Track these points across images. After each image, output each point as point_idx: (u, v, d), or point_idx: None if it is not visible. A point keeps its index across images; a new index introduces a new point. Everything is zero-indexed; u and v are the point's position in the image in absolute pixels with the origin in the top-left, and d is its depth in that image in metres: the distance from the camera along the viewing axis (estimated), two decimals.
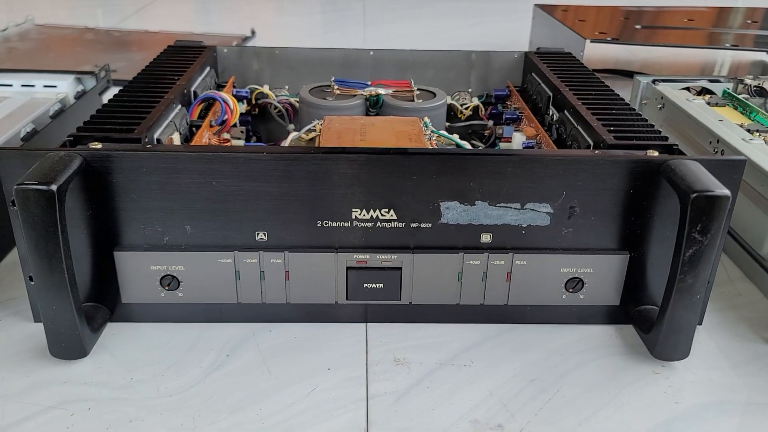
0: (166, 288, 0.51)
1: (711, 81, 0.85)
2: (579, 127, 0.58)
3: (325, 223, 0.50)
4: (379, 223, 0.50)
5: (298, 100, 0.73)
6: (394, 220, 0.50)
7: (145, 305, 0.52)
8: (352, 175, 0.48)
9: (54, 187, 0.43)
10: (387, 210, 0.49)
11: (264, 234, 0.50)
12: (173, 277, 0.51)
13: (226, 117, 0.64)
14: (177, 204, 0.49)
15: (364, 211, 0.49)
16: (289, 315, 0.53)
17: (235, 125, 0.67)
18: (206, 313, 0.53)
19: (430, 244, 0.50)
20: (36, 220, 0.43)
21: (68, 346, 0.48)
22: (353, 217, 0.49)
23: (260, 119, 0.77)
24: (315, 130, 0.62)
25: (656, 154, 0.49)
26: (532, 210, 0.49)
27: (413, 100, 0.69)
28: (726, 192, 0.43)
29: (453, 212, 0.49)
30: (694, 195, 0.43)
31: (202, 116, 0.65)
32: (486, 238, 0.50)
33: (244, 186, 0.48)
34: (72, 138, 0.50)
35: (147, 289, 0.51)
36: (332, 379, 0.48)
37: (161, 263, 0.50)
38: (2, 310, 0.55)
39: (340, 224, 0.50)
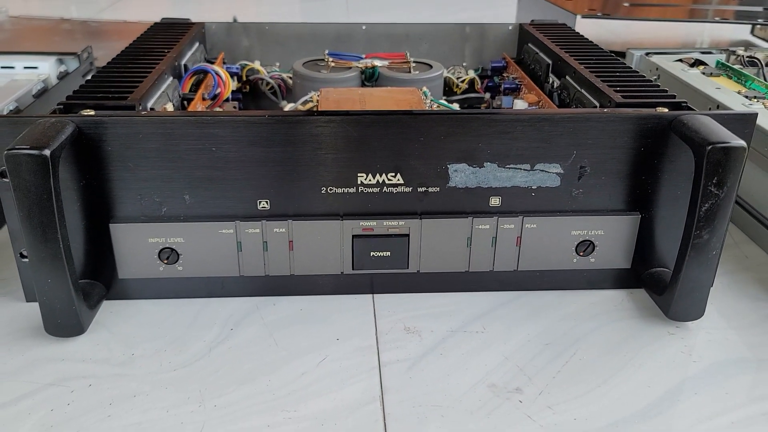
0: (165, 262, 0.49)
1: (703, 53, 0.84)
2: (583, 90, 0.57)
3: (330, 190, 0.48)
4: (385, 188, 0.48)
5: (290, 75, 0.72)
6: (400, 185, 0.48)
7: (143, 281, 0.50)
8: (357, 138, 0.46)
9: (47, 152, 0.41)
10: (393, 174, 0.48)
11: (266, 202, 0.48)
12: (172, 249, 0.49)
13: (218, 90, 0.62)
14: (175, 172, 0.47)
15: (369, 176, 0.48)
16: (294, 287, 0.51)
17: (227, 100, 0.65)
18: (207, 287, 0.51)
19: (438, 209, 0.49)
20: (29, 188, 0.41)
21: (65, 323, 0.46)
22: (359, 182, 0.48)
23: (251, 97, 0.75)
24: (312, 101, 0.60)
25: (666, 110, 0.48)
26: (542, 171, 0.48)
27: (410, 72, 0.68)
28: (742, 143, 0.42)
29: (461, 175, 0.48)
30: (710, 147, 0.42)
31: (194, 91, 0.63)
32: (495, 201, 0.49)
33: (245, 152, 0.46)
34: (62, 106, 0.48)
35: (145, 264, 0.49)
36: (342, 349, 0.46)
37: (159, 235, 0.48)
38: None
39: (345, 190, 0.48)
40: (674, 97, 0.51)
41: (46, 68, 0.77)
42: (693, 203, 0.44)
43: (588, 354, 0.46)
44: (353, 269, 0.50)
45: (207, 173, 0.47)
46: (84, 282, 0.50)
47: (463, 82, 0.73)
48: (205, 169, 0.47)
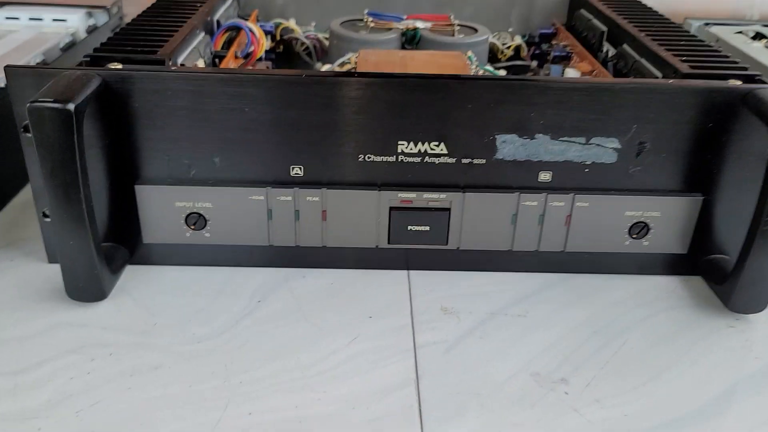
0: (192, 227, 0.47)
1: (765, 26, 0.79)
2: (643, 60, 0.52)
3: (368, 158, 0.45)
4: (427, 158, 0.45)
5: (326, 36, 0.68)
6: (444, 155, 0.45)
7: (169, 246, 0.48)
8: (400, 103, 0.43)
9: (71, 106, 0.38)
10: (437, 143, 0.45)
11: (300, 169, 0.45)
12: (200, 215, 0.46)
13: (252, 48, 0.59)
14: (205, 133, 0.44)
15: (411, 145, 0.44)
16: (326, 260, 0.49)
17: (261, 59, 0.62)
18: (235, 255, 0.49)
19: (483, 183, 0.46)
20: (52, 144, 0.39)
21: (86, 287, 0.44)
22: (399, 150, 0.45)
23: (284, 57, 0.71)
24: (350, 63, 0.57)
25: (739, 83, 0.44)
26: (598, 145, 0.44)
27: (453, 35, 0.64)
28: None
29: (510, 146, 0.44)
30: None
31: (226, 48, 0.60)
32: (545, 176, 0.46)
33: (280, 114, 0.43)
34: (89, 58, 0.46)
35: (171, 229, 0.47)
36: (375, 328, 0.43)
37: (187, 199, 0.46)
38: (14, 251, 0.50)
39: (384, 159, 0.45)
40: (746, 69, 0.47)
41: (75, 21, 0.74)
42: (765, 187, 0.40)
43: (638, 344, 0.43)
44: (389, 243, 0.48)
45: (238, 135, 0.44)
46: (107, 245, 0.47)
47: (508, 48, 0.69)
48: (237, 130, 0.44)
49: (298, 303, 0.45)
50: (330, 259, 0.49)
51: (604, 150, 0.45)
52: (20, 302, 0.45)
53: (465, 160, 0.45)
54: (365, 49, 0.60)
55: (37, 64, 0.63)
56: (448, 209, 0.46)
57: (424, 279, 0.48)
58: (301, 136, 0.44)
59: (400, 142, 0.44)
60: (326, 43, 0.68)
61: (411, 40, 0.64)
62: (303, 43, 0.68)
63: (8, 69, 0.42)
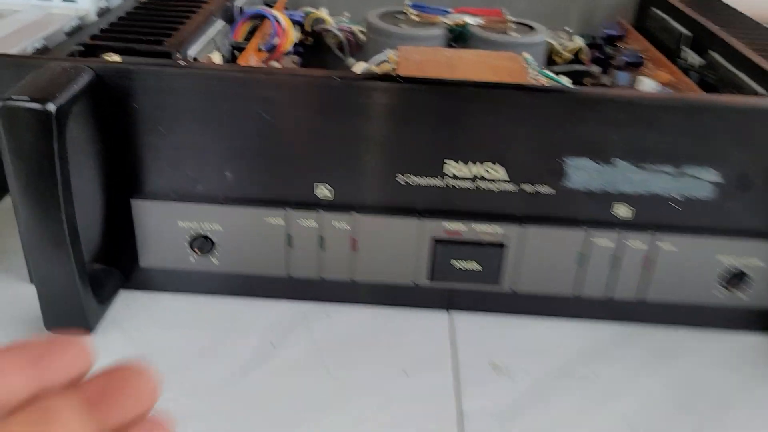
0: (197, 252, 0.39)
1: None
2: (739, 71, 0.44)
3: (409, 179, 0.37)
4: (480, 183, 0.37)
5: (362, 28, 0.60)
6: (501, 180, 0.37)
7: (170, 272, 0.40)
8: (451, 114, 0.36)
9: (52, 107, 0.31)
10: (493, 165, 0.37)
11: (327, 188, 0.38)
12: (206, 238, 0.39)
13: (277, 40, 0.51)
14: (216, 142, 0.37)
15: (461, 165, 0.37)
16: (354, 296, 0.41)
17: (288, 53, 0.54)
18: (246, 286, 0.41)
19: (547, 215, 0.38)
20: (27, 151, 0.32)
21: (67, 319, 0.37)
22: (447, 172, 0.37)
23: (314, 51, 0.64)
24: (389, 62, 0.49)
25: None
26: (691, 176, 0.36)
27: (506, 33, 0.56)
28: None
29: (583, 173, 0.37)
30: None
31: (247, 40, 0.52)
32: (622, 211, 0.38)
33: (306, 122, 0.36)
34: (83, 47, 0.38)
35: (173, 252, 0.40)
36: (411, 388, 0.36)
37: (192, 219, 0.38)
38: None
39: (429, 181, 0.37)
40: None
41: (86, 2, 0.67)
42: None
43: (740, 424, 0.34)
44: (430, 281, 0.40)
45: (255, 146, 0.37)
46: (97, 268, 0.40)
47: (567, 50, 0.60)
48: (254, 139, 0.36)
49: (319, 349, 0.38)
50: (359, 296, 0.41)
51: (698, 182, 0.36)
52: None
53: (526, 187, 0.37)
54: (406, 46, 0.52)
55: (36, 50, 0.56)
56: (503, 245, 0.39)
57: (470, 324, 0.41)
58: (329, 149, 0.37)
59: (448, 162, 0.37)
60: (361, 36, 0.61)
61: (458, 37, 0.56)
62: (335, 36, 0.60)
63: None
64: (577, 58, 0.62)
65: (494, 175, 0.37)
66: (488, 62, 0.48)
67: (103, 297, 0.39)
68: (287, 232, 0.39)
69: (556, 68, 0.60)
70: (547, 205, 0.38)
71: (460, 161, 0.37)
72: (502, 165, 0.37)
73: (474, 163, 0.37)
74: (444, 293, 0.41)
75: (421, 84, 0.35)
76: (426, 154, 0.37)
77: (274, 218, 0.38)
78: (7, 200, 0.51)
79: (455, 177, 0.37)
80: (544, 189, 0.37)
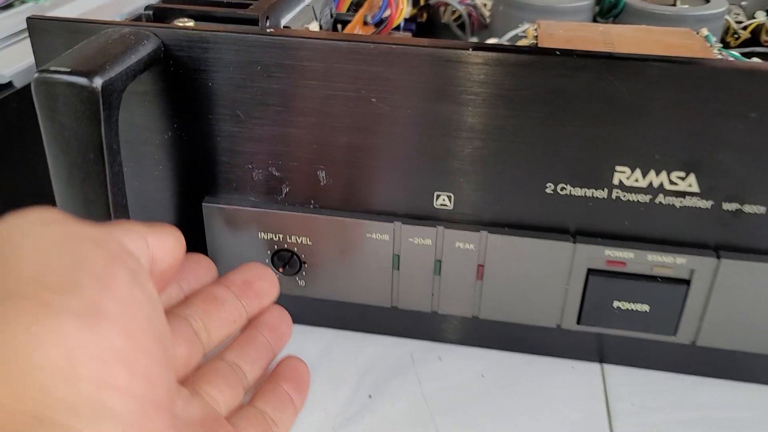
0: (281, 270, 0.31)
1: None
2: None
3: (561, 189, 0.28)
4: (662, 197, 0.27)
5: (485, 2, 0.51)
6: (692, 194, 0.27)
7: None
8: (628, 103, 0.26)
9: (98, 82, 0.24)
10: (682, 174, 0.27)
11: (448, 198, 0.29)
12: (293, 253, 0.31)
13: (387, 13, 0.43)
14: (309, 132, 0.28)
15: (636, 173, 0.27)
16: (475, 336, 0.32)
17: (398, 28, 0.45)
18: (339, 316, 0.33)
19: (754, 245, 0.27)
20: (66, 138, 0.25)
21: None
22: (615, 181, 0.27)
23: (427, 29, 0.55)
24: (527, 38, 0.39)
25: None
26: None
27: (674, 5, 0.45)
28: None
29: None
30: None
31: (353, 11, 0.44)
32: None
33: (424, 109, 0.27)
34: (152, 11, 0.31)
35: None
36: None
37: (276, 229, 0.30)
38: None
39: (589, 192, 0.28)
40: None
41: None
42: None
43: None
44: (579, 323, 0.30)
45: (359, 139, 0.28)
46: None
47: (745, 29, 0.48)
48: (357, 132, 0.28)
49: (428, 406, 0.29)
50: (482, 337, 0.32)
51: None
52: None
53: (728, 206, 0.27)
54: (545, 21, 0.42)
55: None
56: (687, 281, 0.28)
57: (631, 384, 0.30)
58: (455, 145, 0.27)
59: (618, 169, 0.27)
60: (485, 11, 0.51)
61: (609, 9, 0.46)
62: (455, 11, 0.51)
63: (31, 21, 0.28)
64: (755, 37, 0.50)
65: (681, 186, 0.27)
66: (656, 39, 0.38)
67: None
68: (395, 252, 0.30)
69: (730, 49, 0.48)
70: (755, 230, 0.27)
71: (635, 168, 0.27)
72: (694, 173, 0.26)
73: (655, 170, 0.27)
74: (596, 341, 0.31)
75: (592, 59, 0.25)
76: (588, 157, 0.27)
77: (379, 233, 0.30)
78: None
79: (625, 188, 0.27)
80: (753, 208, 0.27)
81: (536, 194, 0.28)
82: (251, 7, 0.31)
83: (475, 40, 0.51)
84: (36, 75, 0.24)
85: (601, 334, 0.31)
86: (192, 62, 0.28)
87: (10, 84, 0.38)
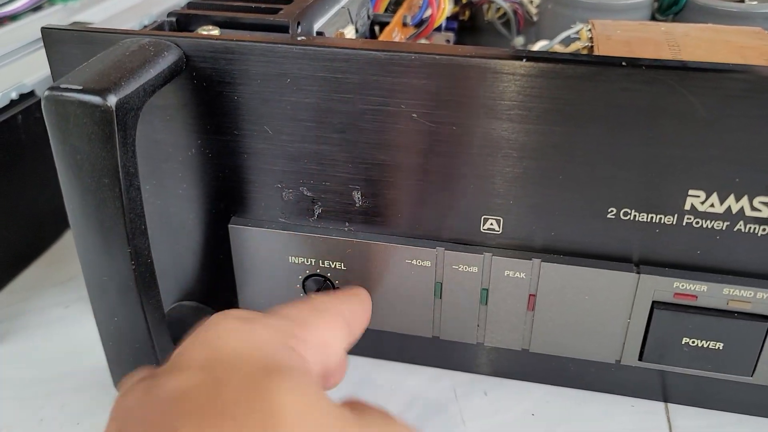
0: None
1: None
2: None
3: (624, 214, 0.25)
4: (741, 225, 0.24)
5: (533, 0, 0.48)
6: None
7: None
8: (704, 120, 0.22)
9: (112, 100, 0.22)
10: (767, 200, 0.23)
11: (497, 222, 0.26)
12: (325, 279, 0.28)
13: (428, 13, 0.40)
14: (343, 150, 0.26)
15: (713, 198, 0.24)
16: (524, 370, 0.29)
17: (439, 28, 0.43)
18: (377, 346, 0.31)
19: None
20: (79, 161, 0.22)
21: None
22: (687, 206, 0.24)
23: (469, 28, 0.52)
24: (580, 39, 0.36)
25: None
26: None
27: (742, 1, 0.41)
28: None
29: None
30: None
31: (392, 12, 0.41)
32: None
33: (475, 126, 0.24)
34: (175, 18, 0.29)
35: (280, 295, 0.29)
36: None
37: (307, 253, 0.28)
38: (71, 293, 0.36)
39: (656, 218, 0.25)
40: None
41: None
42: None
43: None
44: (641, 359, 0.27)
45: (398, 157, 0.25)
46: (186, 306, 0.31)
47: None
48: (397, 149, 0.25)
49: None
50: (531, 371, 0.29)
51: None
52: (55, 383, 0.30)
53: None
54: (600, 20, 0.39)
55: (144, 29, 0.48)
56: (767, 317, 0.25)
57: (698, 426, 0.27)
58: (505, 165, 0.25)
59: (692, 193, 0.24)
60: (531, 9, 0.48)
61: (669, 6, 0.42)
62: (499, 9, 0.48)
63: (46, 31, 0.26)
64: None
65: (765, 213, 0.24)
66: (725, 40, 0.34)
67: None
68: (437, 279, 0.27)
69: None
70: None
71: (711, 192, 0.24)
72: None
73: (735, 195, 0.23)
74: (660, 378, 0.28)
75: (658, 70, 0.22)
76: (658, 180, 0.24)
77: (421, 259, 0.27)
78: None
79: (699, 214, 0.24)
80: None
81: (596, 219, 0.25)
82: (281, 12, 0.28)
83: (520, 39, 0.48)
84: (45, 93, 0.22)
85: (665, 371, 0.28)
86: (216, 74, 0.25)
87: (32, 93, 0.36)
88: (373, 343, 0.30)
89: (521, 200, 0.25)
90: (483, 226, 0.26)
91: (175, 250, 0.30)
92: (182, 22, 0.29)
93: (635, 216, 0.25)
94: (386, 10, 0.41)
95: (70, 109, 0.22)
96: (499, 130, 0.24)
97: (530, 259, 0.26)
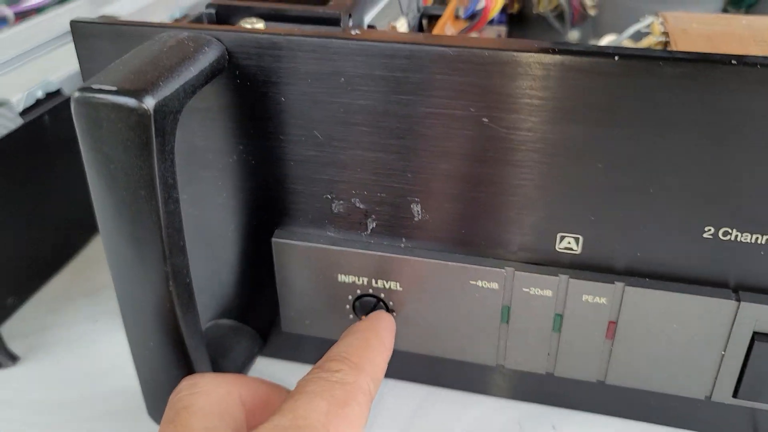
0: (363, 319, 0.26)
1: None
2: None
3: (724, 233, 0.22)
4: None
5: None
6: None
7: (323, 342, 0.27)
8: None
9: (150, 103, 0.19)
10: None
11: (575, 240, 0.23)
12: (378, 299, 0.26)
13: (481, 5, 0.37)
14: (402, 158, 0.23)
15: None
16: (598, 403, 0.26)
17: (491, 22, 0.40)
18: (434, 373, 0.28)
19: None
20: (112, 169, 0.20)
21: None
22: None
23: (516, 23, 0.49)
24: (652, 33, 0.33)
25: None
26: None
27: None
28: None
29: None
30: None
31: (439, 3, 0.39)
32: None
33: (555, 133, 0.21)
34: (214, 9, 0.26)
35: (328, 315, 0.27)
36: None
37: (359, 271, 0.25)
38: (101, 305, 0.33)
39: (762, 239, 0.21)
40: None
41: None
42: None
43: None
44: (735, 396, 0.24)
45: (464, 167, 0.23)
46: (225, 327, 0.29)
47: None
48: (463, 158, 0.22)
49: None
50: (606, 404, 0.26)
51: None
52: (86, 406, 0.27)
53: None
54: (671, 12, 0.35)
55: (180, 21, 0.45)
56: None
57: None
58: (588, 177, 0.22)
59: None
60: (587, 1, 0.45)
61: None
62: (552, 0, 0.45)
63: (75, 25, 0.24)
64: None
65: None
66: None
67: (231, 367, 0.27)
68: (504, 303, 0.24)
69: None
70: None
71: None
72: None
73: None
74: (753, 418, 0.25)
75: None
76: (765, 194, 0.21)
77: (486, 281, 0.24)
78: None
79: None
80: None
81: (690, 239, 0.22)
82: (331, 3, 0.26)
83: (575, 33, 0.45)
84: (75, 94, 0.19)
85: (765, 410, 0.25)
86: (262, 73, 0.23)
87: (59, 92, 0.34)
88: (429, 370, 0.28)
89: (605, 216, 0.22)
90: (559, 244, 0.23)
91: (212, 264, 0.27)
92: (222, 14, 0.26)
93: (737, 236, 0.22)
94: (434, 1, 0.38)
95: (103, 113, 0.19)
96: (582, 138, 0.21)
97: (612, 283, 0.23)
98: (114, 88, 0.19)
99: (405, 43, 0.21)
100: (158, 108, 0.19)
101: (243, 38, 0.22)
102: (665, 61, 0.20)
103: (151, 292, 0.22)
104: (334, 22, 0.25)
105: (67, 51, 0.35)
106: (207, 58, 0.22)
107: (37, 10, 0.42)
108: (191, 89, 0.21)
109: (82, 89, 0.19)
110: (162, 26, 0.23)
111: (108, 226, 0.21)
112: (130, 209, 0.20)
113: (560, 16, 0.46)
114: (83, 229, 0.38)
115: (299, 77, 0.22)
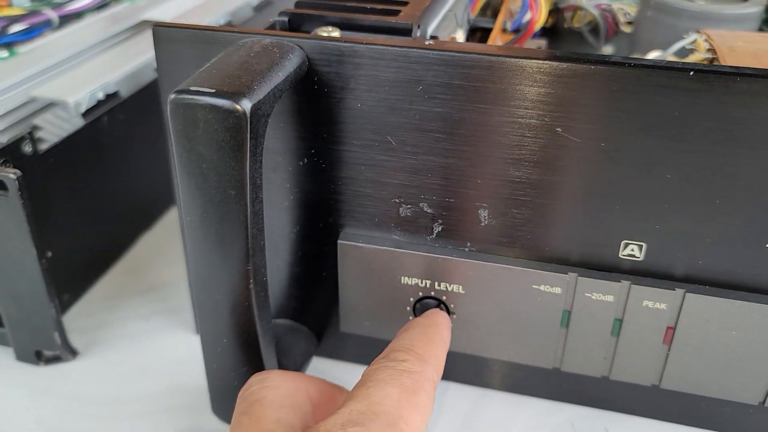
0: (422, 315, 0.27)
1: None
2: None
3: None
4: None
5: (623, 6, 0.46)
6: None
7: (381, 343, 0.28)
8: None
9: (246, 105, 0.20)
10: None
11: (638, 248, 0.24)
12: (440, 302, 0.26)
13: (528, 17, 0.38)
14: (473, 164, 0.24)
15: None
16: (652, 408, 0.27)
17: (536, 34, 0.40)
18: (488, 373, 0.28)
19: None
20: (204, 169, 0.21)
21: None
22: None
23: (549, 37, 0.50)
24: (696, 50, 0.34)
25: None
26: None
27: None
28: None
29: None
30: None
31: (484, 15, 0.40)
32: None
33: (627, 143, 0.22)
34: (287, 17, 0.27)
35: (388, 317, 0.27)
36: None
37: (423, 273, 0.26)
38: (155, 303, 0.34)
39: None
40: None
41: None
42: None
43: None
44: None
45: (535, 174, 0.23)
46: (283, 324, 0.29)
47: None
48: (534, 166, 0.23)
49: None
50: (661, 408, 0.27)
51: None
52: (142, 404, 0.28)
53: None
54: (713, 30, 0.36)
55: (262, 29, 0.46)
56: None
57: None
58: (656, 186, 0.23)
59: None
60: (620, 17, 0.46)
61: None
62: (586, 15, 0.46)
63: (157, 30, 0.25)
64: None
65: None
66: None
67: (291, 366, 0.28)
68: (566, 307, 0.25)
69: None
70: None
71: None
72: None
73: None
74: None
75: None
76: None
77: (549, 285, 0.25)
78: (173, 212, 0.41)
79: None
80: None
81: (752, 249, 0.23)
82: (402, 14, 0.27)
83: (609, 48, 0.46)
84: (172, 96, 0.20)
85: None
86: (340, 79, 0.24)
87: (116, 94, 0.35)
88: (483, 372, 0.28)
89: (670, 225, 0.23)
90: (622, 251, 0.24)
91: (274, 263, 0.28)
92: (295, 22, 0.27)
93: None
94: (479, 13, 0.39)
95: (201, 114, 0.20)
96: (653, 148, 0.22)
97: (674, 289, 0.24)
98: (212, 91, 0.20)
99: (485, 54, 0.22)
100: (253, 111, 0.20)
101: (324, 46, 0.23)
102: (742, 77, 0.20)
103: (231, 290, 0.23)
104: (405, 32, 0.26)
105: (114, 54, 0.36)
106: (292, 63, 0.22)
107: (78, 14, 0.43)
108: (279, 93, 0.22)
109: (180, 91, 0.20)
110: (244, 32, 0.24)
111: (195, 224, 0.22)
112: (219, 208, 0.21)
113: (593, 31, 0.46)
114: (131, 228, 0.38)
115: (378, 84, 0.23)
